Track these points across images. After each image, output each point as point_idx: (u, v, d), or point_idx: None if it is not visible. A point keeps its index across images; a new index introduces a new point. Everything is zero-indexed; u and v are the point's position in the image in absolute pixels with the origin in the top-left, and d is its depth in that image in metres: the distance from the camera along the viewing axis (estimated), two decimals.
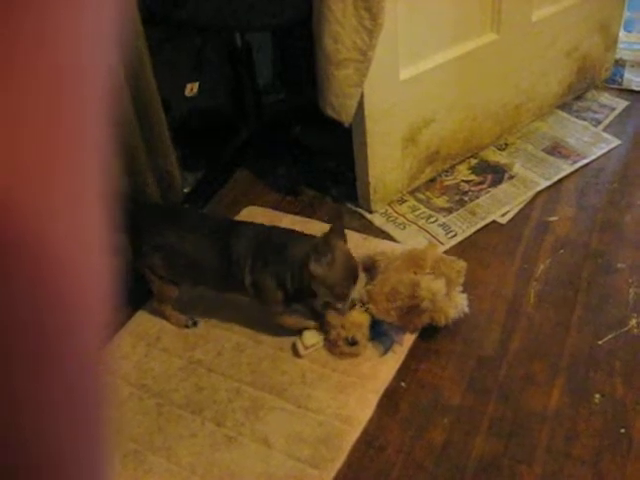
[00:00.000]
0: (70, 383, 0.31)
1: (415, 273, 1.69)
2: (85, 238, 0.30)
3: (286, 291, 1.58)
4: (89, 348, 0.32)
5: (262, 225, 1.65)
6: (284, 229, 1.65)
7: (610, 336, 1.68)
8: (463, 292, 1.72)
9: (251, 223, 1.67)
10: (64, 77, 0.26)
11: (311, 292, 1.56)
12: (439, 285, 1.63)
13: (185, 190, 2.14)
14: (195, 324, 1.79)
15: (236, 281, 1.61)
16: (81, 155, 0.29)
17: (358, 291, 1.71)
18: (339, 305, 1.60)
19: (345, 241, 1.60)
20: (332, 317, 1.64)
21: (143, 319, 1.83)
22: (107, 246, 0.32)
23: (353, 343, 1.63)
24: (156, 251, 1.66)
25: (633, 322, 1.70)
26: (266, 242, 1.59)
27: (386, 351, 1.66)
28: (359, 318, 1.65)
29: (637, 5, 2.81)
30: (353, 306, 1.64)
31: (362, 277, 1.83)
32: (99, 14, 0.28)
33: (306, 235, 1.60)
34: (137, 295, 1.86)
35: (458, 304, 1.68)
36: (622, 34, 2.72)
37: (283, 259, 1.55)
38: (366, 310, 1.67)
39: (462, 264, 1.74)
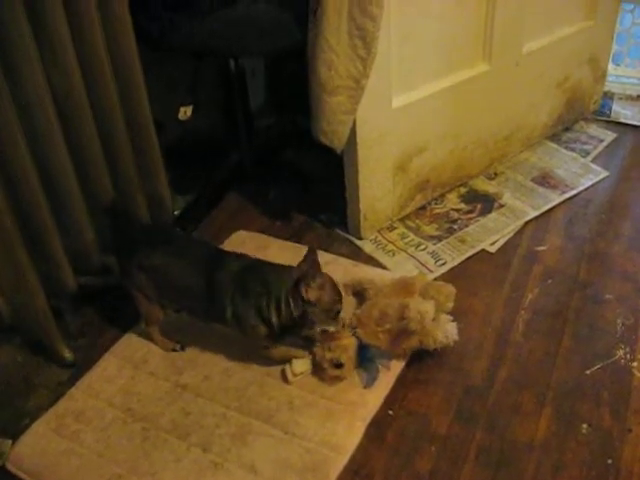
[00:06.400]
0: None
1: (404, 299, 1.69)
2: None
3: (270, 325, 1.57)
4: None
5: (247, 257, 1.65)
6: (266, 262, 1.64)
7: (597, 366, 1.68)
8: (453, 321, 1.72)
9: (237, 255, 1.65)
10: None
11: (301, 321, 1.56)
12: (427, 307, 1.64)
13: (175, 212, 2.14)
14: (183, 349, 1.77)
15: (219, 312, 1.61)
16: None
17: (347, 314, 1.71)
18: (333, 326, 1.60)
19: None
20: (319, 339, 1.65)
21: (131, 342, 1.81)
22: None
23: (338, 365, 1.62)
24: (144, 271, 1.65)
25: (620, 352, 1.71)
26: (249, 275, 1.59)
27: (372, 379, 1.64)
28: (345, 341, 1.64)
29: (625, 39, 2.85)
30: (343, 325, 1.64)
31: (351, 300, 1.84)
32: None
33: (287, 267, 1.59)
34: (125, 318, 1.85)
35: (448, 331, 1.68)
36: (611, 67, 2.76)
37: (267, 292, 1.55)
38: (354, 334, 1.67)
39: (450, 289, 1.75)
